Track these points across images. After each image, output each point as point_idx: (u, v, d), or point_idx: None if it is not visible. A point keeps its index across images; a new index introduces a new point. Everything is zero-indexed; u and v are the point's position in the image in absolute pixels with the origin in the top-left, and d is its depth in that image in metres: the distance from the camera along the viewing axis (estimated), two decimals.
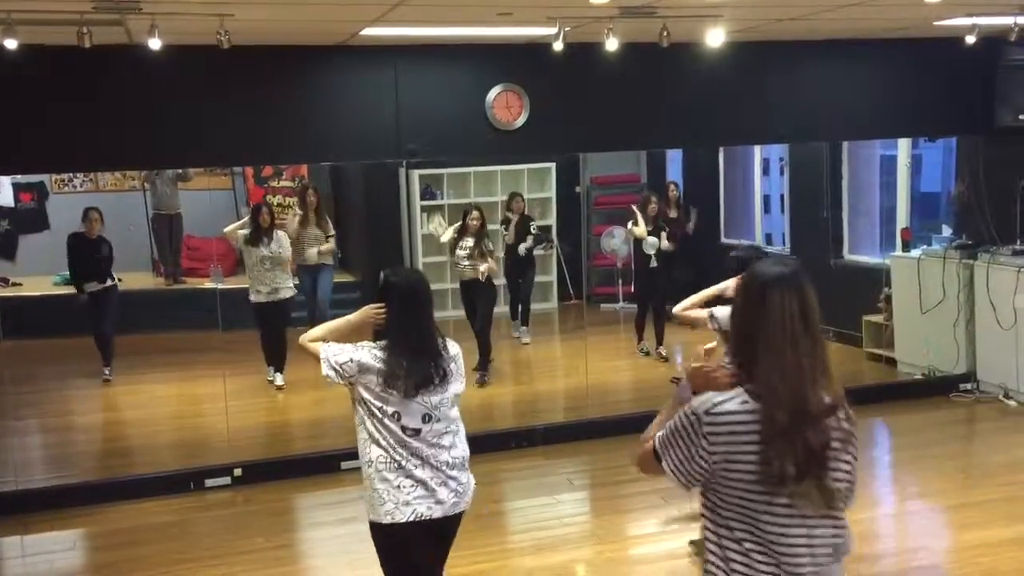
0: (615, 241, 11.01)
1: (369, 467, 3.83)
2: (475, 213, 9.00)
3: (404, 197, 11.06)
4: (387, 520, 3.79)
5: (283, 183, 12.27)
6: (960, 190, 8.92)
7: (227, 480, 6.99)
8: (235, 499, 6.85)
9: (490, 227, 9.52)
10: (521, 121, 7.45)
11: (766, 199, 11.63)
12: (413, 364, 3.79)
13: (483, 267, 8.86)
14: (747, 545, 2.47)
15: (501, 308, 9.90)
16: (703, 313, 4.83)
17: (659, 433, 2.56)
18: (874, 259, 10.03)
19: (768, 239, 11.62)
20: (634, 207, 9.94)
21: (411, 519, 3.78)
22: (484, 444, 7.45)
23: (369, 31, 6.34)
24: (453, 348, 3.98)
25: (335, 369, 3.80)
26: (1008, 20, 6.86)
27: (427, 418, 3.83)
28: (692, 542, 5.53)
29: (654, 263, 9.71)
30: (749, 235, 11.60)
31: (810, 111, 8.12)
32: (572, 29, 6.28)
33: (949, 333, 8.48)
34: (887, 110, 8.28)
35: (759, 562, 2.47)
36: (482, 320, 9.08)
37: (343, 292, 10.10)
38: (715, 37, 6.36)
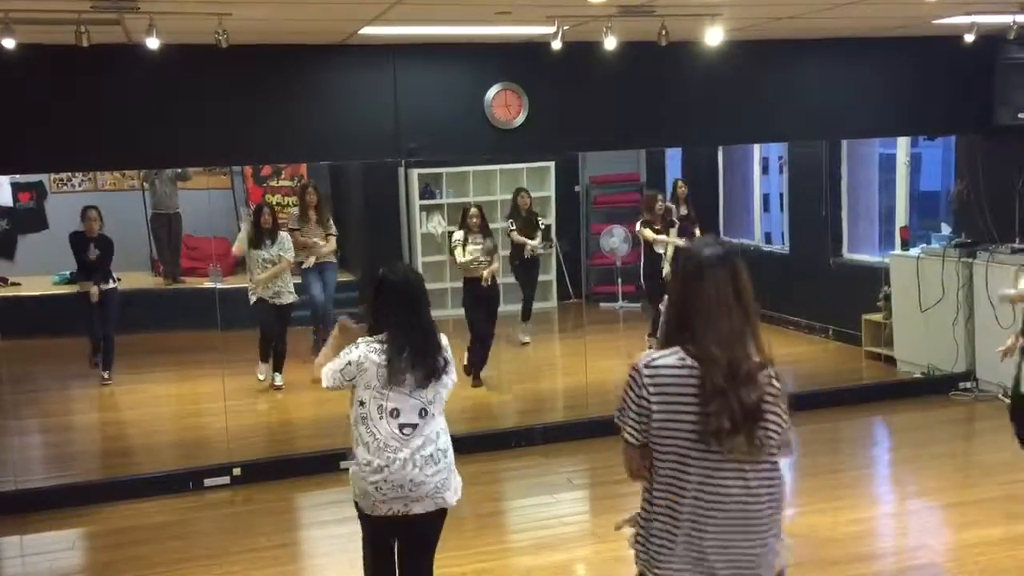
0: (614, 240, 11.00)
1: (356, 465, 3.96)
2: (473, 211, 8.95)
3: (403, 196, 11.06)
4: (367, 512, 3.98)
5: (282, 182, 12.28)
6: (959, 188, 8.92)
7: (226, 480, 6.98)
8: (234, 499, 6.84)
9: (493, 225, 9.42)
10: (520, 120, 7.45)
11: (765, 198, 11.64)
12: (417, 359, 3.89)
13: (493, 266, 8.83)
14: (677, 495, 2.73)
15: (504, 308, 9.75)
16: None
17: (616, 413, 2.82)
18: (873, 258, 10.02)
19: (767, 238, 11.63)
20: (647, 215, 9.71)
21: (388, 514, 3.94)
22: (484, 443, 7.49)
23: (368, 30, 6.33)
24: (444, 340, 4.09)
25: (336, 377, 3.95)
26: (1007, 18, 6.86)
27: (423, 413, 3.93)
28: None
29: (665, 265, 9.49)
30: (748, 234, 11.61)
31: (809, 110, 8.12)
32: (571, 28, 6.28)
33: (948, 332, 8.47)
34: (886, 109, 8.28)
35: (684, 512, 2.72)
36: (491, 323, 8.96)
37: (343, 292, 10.08)
38: (714, 36, 6.36)
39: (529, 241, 9.78)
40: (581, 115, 7.55)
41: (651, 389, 2.72)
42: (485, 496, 6.64)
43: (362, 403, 3.92)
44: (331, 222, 9.45)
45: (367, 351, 3.90)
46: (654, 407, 2.72)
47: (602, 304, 11.65)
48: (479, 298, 8.89)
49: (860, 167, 10.21)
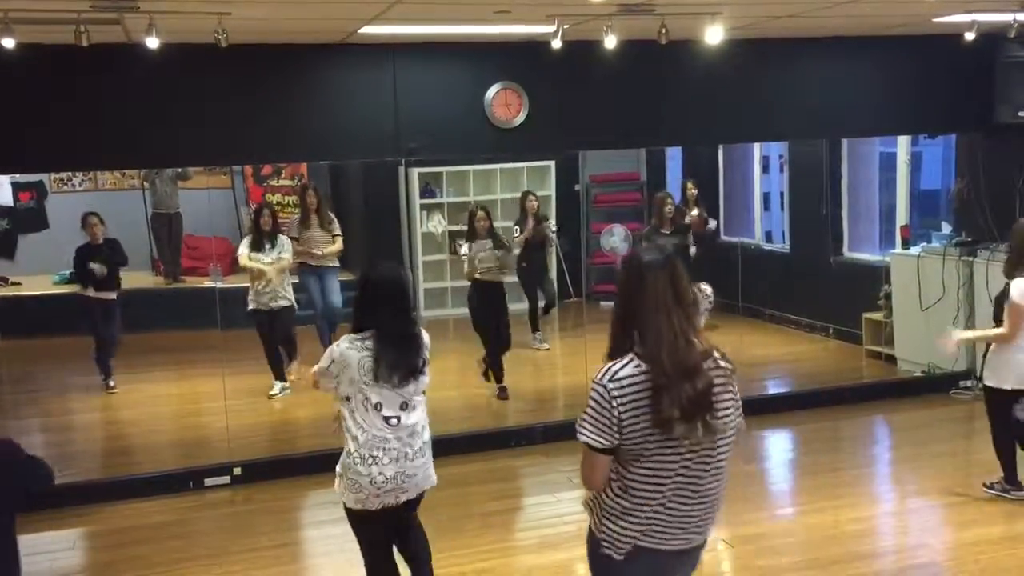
0: (615, 239, 10.99)
1: (348, 457, 4.14)
2: (481, 213, 8.59)
3: (403, 195, 11.05)
4: (358, 507, 4.15)
5: (282, 182, 12.29)
6: (960, 187, 8.92)
7: (227, 479, 6.99)
8: (235, 498, 6.85)
9: (498, 224, 9.28)
10: (520, 119, 7.44)
11: (766, 197, 11.64)
12: (400, 357, 4.05)
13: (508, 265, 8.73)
14: (632, 478, 2.99)
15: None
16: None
17: (577, 425, 3.03)
18: (874, 256, 10.02)
19: (768, 237, 11.63)
20: (655, 219, 9.57)
21: (380, 508, 4.12)
22: (484, 442, 7.49)
23: (367, 29, 6.33)
24: (425, 336, 4.23)
25: (325, 376, 4.13)
26: (1008, 17, 6.85)
27: (404, 406, 4.10)
28: None
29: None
30: (749, 233, 11.60)
31: (810, 109, 8.11)
32: (571, 27, 6.28)
33: (949, 330, 8.46)
34: (886, 107, 8.28)
35: (649, 495, 2.99)
36: (506, 328, 8.63)
37: (343, 291, 10.05)
38: (714, 34, 6.35)
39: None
40: (581, 114, 7.54)
41: (619, 401, 2.93)
42: (486, 495, 6.64)
43: (348, 398, 4.09)
44: (335, 223, 9.22)
45: (347, 347, 4.04)
46: (625, 417, 2.93)
47: (602, 303, 11.62)
48: (486, 301, 8.57)
49: (861, 166, 10.21)
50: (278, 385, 8.85)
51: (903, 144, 9.65)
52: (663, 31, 6.16)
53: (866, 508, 6.28)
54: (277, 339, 8.88)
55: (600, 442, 2.97)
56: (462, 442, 7.39)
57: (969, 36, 7.03)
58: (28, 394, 9.25)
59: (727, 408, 3.02)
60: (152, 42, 5.45)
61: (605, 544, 3.09)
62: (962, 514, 6.05)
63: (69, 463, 7.61)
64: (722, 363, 3.04)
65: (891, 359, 9.29)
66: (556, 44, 6.37)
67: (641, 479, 3.00)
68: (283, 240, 8.83)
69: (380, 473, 4.04)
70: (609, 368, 2.98)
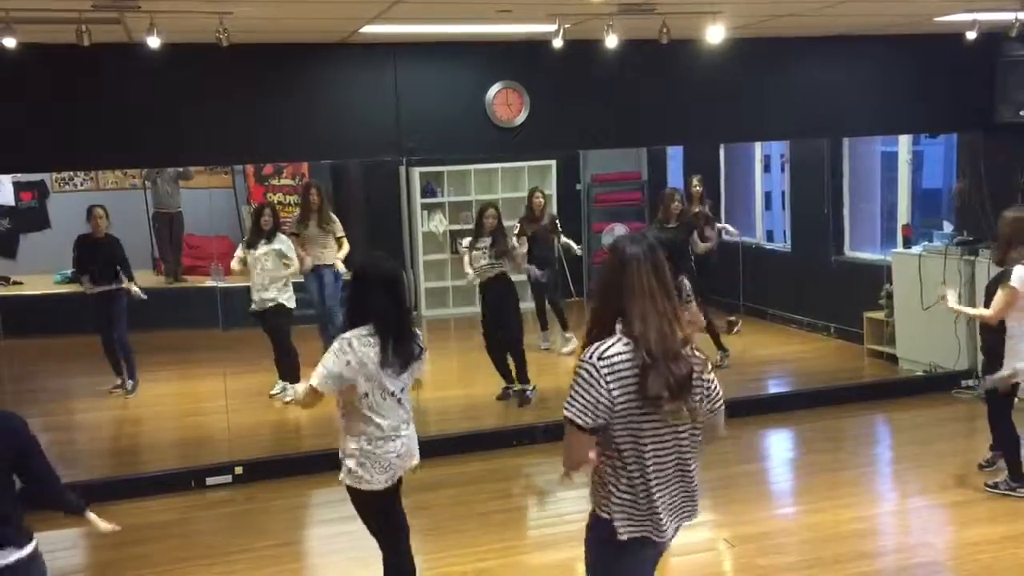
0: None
1: (370, 444, 4.28)
2: (491, 211, 8.36)
3: (404, 195, 11.06)
4: (386, 485, 4.33)
5: (283, 181, 12.29)
6: (961, 186, 8.91)
7: (228, 478, 6.99)
8: (236, 497, 6.84)
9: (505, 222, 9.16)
10: (521, 118, 7.44)
11: (767, 196, 11.64)
12: (400, 345, 4.18)
13: (533, 269, 8.79)
14: (628, 458, 3.10)
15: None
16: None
17: (565, 404, 3.09)
18: (875, 256, 10.02)
19: (769, 236, 11.63)
20: (661, 214, 9.30)
21: (389, 485, 4.34)
22: (485, 442, 7.49)
23: (369, 28, 6.33)
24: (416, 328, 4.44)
25: (332, 380, 4.16)
26: (1008, 16, 6.85)
27: (403, 390, 4.32)
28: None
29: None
30: (750, 232, 11.60)
31: (811, 108, 8.11)
32: (572, 26, 6.28)
33: (950, 329, 8.46)
34: (888, 107, 8.27)
35: (632, 469, 3.11)
36: (516, 328, 8.44)
37: (343, 291, 10.04)
38: (715, 34, 6.35)
39: (534, 269, 9.11)
40: (582, 113, 7.54)
41: (609, 379, 3.01)
42: (486, 495, 6.64)
43: (366, 395, 4.19)
44: (336, 223, 9.05)
45: (359, 345, 4.12)
46: (616, 394, 3.01)
47: None
48: (491, 301, 8.37)
49: (862, 165, 10.21)
50: (280, 384, 8.82)
51: (904, 143, 9.64)
52: (664, 30, 6.16)
53: (867, 507, 6.28)
54: (275, 340, 8.59)
55: (585, 420, 3.03)
56: (462, 442, 7.40)
57: (970, 35, 7.03)
58: (29, 393, 9.25)
59: (697, 398, 3.15)
60: (153, 42, 5.46)
61: (603, 528, 3.21)
62: (963, 513, 6.05)
63: (71, 462, 7.62)
64: (698, 354, 3.18)
65: (892, 358, 9.29)
66: (557, 43, 6.37)
67: (637, 459, 3.10)
68: (282, 237, 8.63)
69: (403, 444, 4.30)
70: (597, 347, 3.05)
